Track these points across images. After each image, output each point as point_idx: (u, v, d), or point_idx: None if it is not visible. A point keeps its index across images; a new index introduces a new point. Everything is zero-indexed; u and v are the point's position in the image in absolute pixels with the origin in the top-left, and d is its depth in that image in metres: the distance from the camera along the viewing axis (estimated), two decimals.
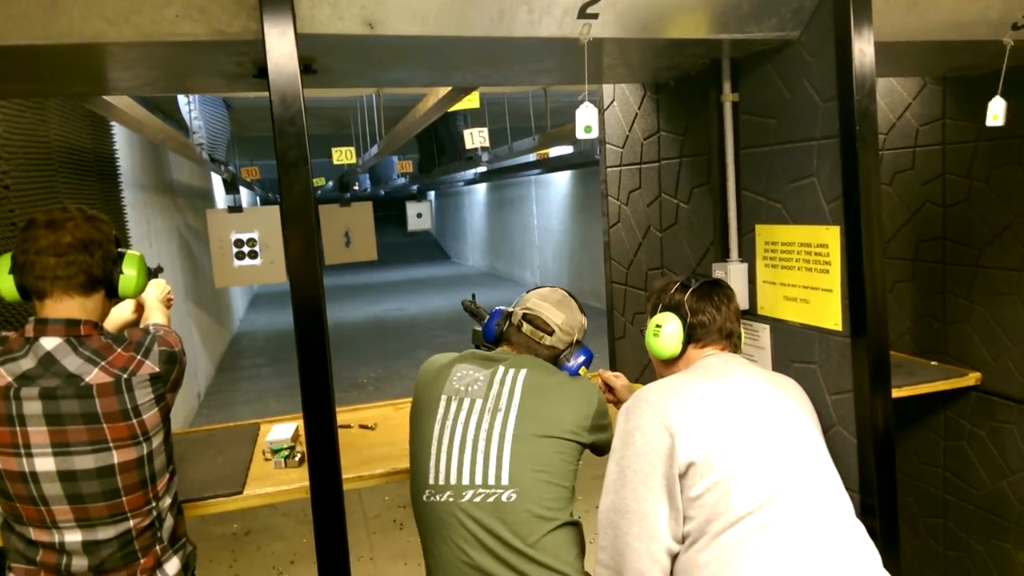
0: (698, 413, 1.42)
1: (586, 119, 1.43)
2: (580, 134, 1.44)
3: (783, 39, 1.66)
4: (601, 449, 1.72)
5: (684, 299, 1.63)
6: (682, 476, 1.38)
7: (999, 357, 2.42)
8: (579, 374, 1.77)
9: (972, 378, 2.50)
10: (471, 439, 1.58)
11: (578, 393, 1.66)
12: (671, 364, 1.65)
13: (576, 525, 1.61)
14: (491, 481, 1.54)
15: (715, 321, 1.62)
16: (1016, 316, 2.34)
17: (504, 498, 1.52)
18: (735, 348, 1.65)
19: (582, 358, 1.78)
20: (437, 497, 1.58)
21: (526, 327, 1.75)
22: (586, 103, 1.44)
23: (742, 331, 1.69)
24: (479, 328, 1.96)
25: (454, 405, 1.63)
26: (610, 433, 1.72)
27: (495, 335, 1.81)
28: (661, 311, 1.66)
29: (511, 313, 1.80)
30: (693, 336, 1.62)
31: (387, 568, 3.92)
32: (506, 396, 1.61)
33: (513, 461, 1.54)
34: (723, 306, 1.63)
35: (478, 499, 1.54)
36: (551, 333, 1.75)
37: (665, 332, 1.62)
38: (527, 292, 1.85)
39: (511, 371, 1.66)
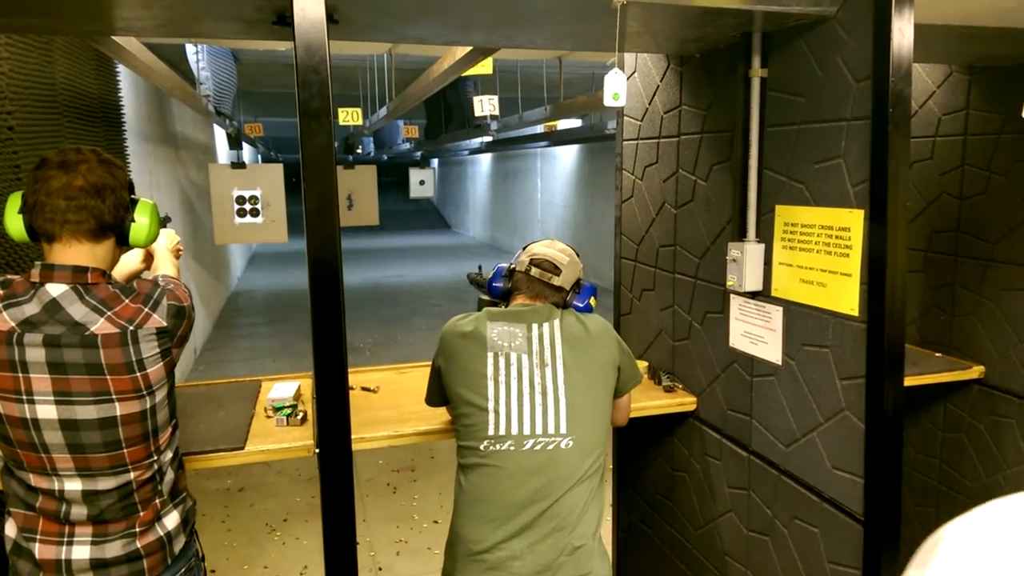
0: None
1: (614, 86, 1.39)
2: (608, 101, 1.40)
3: (820, 14, 1.61)
4: (620, 389, 1.84)
5: None
6: None
7: (1004, 352, 2.41)
8: (591, 306, 1.86)
9: (976, 371, 2.49)
10: (527, 393, 1.70)
11: (605, 336, 1.80)
12: None
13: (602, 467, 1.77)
14: (551, 431, 1.68)
15: None
16: None
17: (563, 445, 1.68)
18: None
19: (588, 295, 1.86)
20: (498, 446, 1.68)
21: (535, 270, 1.82)
22: (615, 70, 1.40)
23: None
24: (485, 298, 1.95)
25: (502, 361, 1.72)
26: (631, 374, 1.88)
27: (501, 291, 1.87)
28: None
29: (514, 267, 1.87)
30: None
31: (379, 530, 3.94)
32: (548, 351, 1.73)
33: (568, 411, 1.69)
34: None
35: (538, 447, 1.67)
36: (559, 273, 1.81)
37: None
38: (524, 247, 1.92)
39: (545, 325, 1.76)
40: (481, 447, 1.69)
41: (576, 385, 1.71)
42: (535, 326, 1.76)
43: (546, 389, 1.70)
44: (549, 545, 1.65)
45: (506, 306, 1.86)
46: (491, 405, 1.70)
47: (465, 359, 1.74)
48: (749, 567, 2.03)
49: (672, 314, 2.34)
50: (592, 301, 1.87)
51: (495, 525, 1.66)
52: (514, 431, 1.68)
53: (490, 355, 1.72)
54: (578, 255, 1.91)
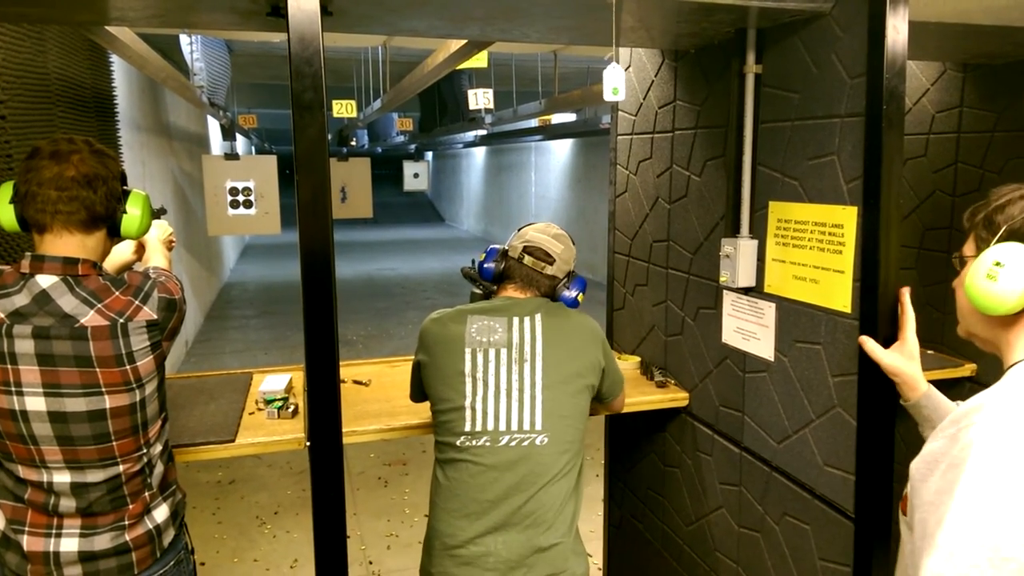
0: None
1: (613, 80, 1.39)
2: (608, 96, 1.39)
3: (815, 11, 1.61)
4: (604, 396, 1.86)
5: None
6: None
7: None
8: (579, 302, 1.84)
9: (968, 369, 2.50)
10: (504, 389, 1.69)
11: (589, 336, 1.78)
12: (999, 324, 1.14)
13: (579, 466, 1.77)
14: (526, 427, 1.67)
15: None
16: None
17: (538, 442, 1.67)
18: None
19: (578, 288, 1.84)
20: (474, 442, 1.68)
21: (528, 259, 1.81)
22: (613, 64, 1.39)
23: None
24: (479, 292, 1.94)
25: (480, 357, 1.71)
26: (615, 380, 1.88)
27: (493, 273, 1.84)
28: (1005, 238, 1.10)
29: (507, 250, 1.85)
30: None
31: (370, 524, 3.95)
32: (528, 346, 1.71)
33: (545, 408, 1.68)
34: None
35: (513, 443, 1.66)
36: (552, 263, 1.80)
37: (1008, 274, 1.06)
38: (519, 229, 1.90)
39: (527, 319, 1.74)
40: (457, 443, 1.69)
41: (554, 381, 1.70)
42: (516, 320, 1.74)
43: (523, 385, 1.69)
44: (523, 542, 1.65)
45: (495, 291, 1.85)
46: (468, 402, 1.68)
47: (443, 356, 1.73)
48: (740, 563, 2.04)
49: (665, 309, 2.34)
50: (579, 296, 1.85)
51: (470, 520, 1.66)
52: (490, 427, 1.67)
53: (468, 351, 1.71)
54: (573, 242, 1.89)
